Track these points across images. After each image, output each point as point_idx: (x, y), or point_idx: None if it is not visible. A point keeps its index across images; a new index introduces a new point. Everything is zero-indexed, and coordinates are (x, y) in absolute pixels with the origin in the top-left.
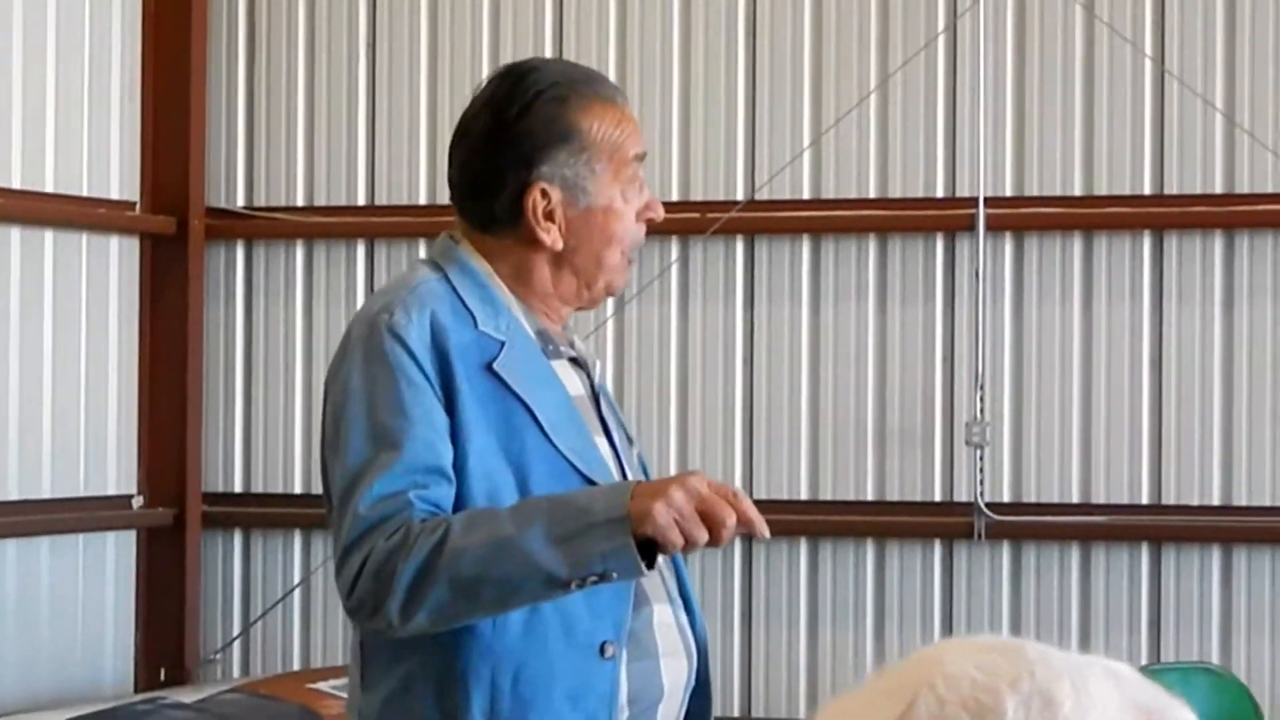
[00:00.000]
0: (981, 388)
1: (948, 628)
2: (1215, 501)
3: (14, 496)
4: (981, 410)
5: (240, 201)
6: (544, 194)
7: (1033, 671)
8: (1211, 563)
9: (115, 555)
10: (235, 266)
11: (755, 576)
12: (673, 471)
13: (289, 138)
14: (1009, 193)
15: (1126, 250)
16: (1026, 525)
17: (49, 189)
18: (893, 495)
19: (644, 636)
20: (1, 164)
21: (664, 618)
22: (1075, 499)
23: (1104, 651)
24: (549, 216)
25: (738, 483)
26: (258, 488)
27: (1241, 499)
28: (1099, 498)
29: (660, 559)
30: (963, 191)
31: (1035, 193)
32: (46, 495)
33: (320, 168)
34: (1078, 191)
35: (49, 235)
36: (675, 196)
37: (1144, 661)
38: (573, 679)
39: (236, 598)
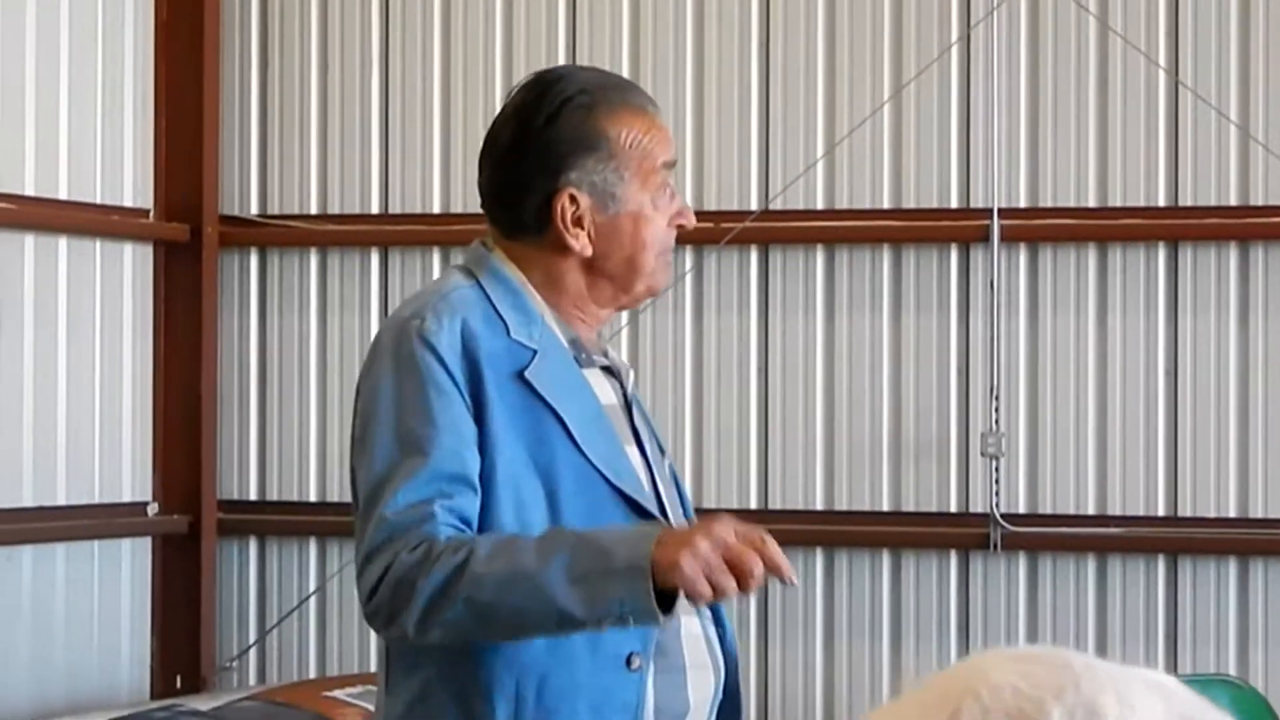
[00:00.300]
0: (996, 399)
1: (963, 639)
2: (1231, 513)
3: (29, 504)
4: (997, 421)
5: (254, 209)
6: (572, 200)
7: (1077, 683)
8: (1228, 575)
9: (131, 562)
10: (249, 274)
11: (771, 587)
12: (689, 483)
13: (303, 145)
14: (1023, 204)
15: (1141, 262)
16: (1042, 536)
17: (62, 196)
18: (908, 506)
19: (671, 648)
20: (15, 171)
21: (692, 629)
22: (1091, 510)
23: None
24: (578, 223)
25: (752, 493)
26: (273, 495)
27: (1258, 511)
28: (1115, 509)
29: None
30: (977, 202)
31: (1050, 204)
32: (62, 502)
33: (334, 175)
34: (1092, 203)
35: (63, 242)
36: (689, 206)
37: None
38: (597, 690)
39: (252, 605)
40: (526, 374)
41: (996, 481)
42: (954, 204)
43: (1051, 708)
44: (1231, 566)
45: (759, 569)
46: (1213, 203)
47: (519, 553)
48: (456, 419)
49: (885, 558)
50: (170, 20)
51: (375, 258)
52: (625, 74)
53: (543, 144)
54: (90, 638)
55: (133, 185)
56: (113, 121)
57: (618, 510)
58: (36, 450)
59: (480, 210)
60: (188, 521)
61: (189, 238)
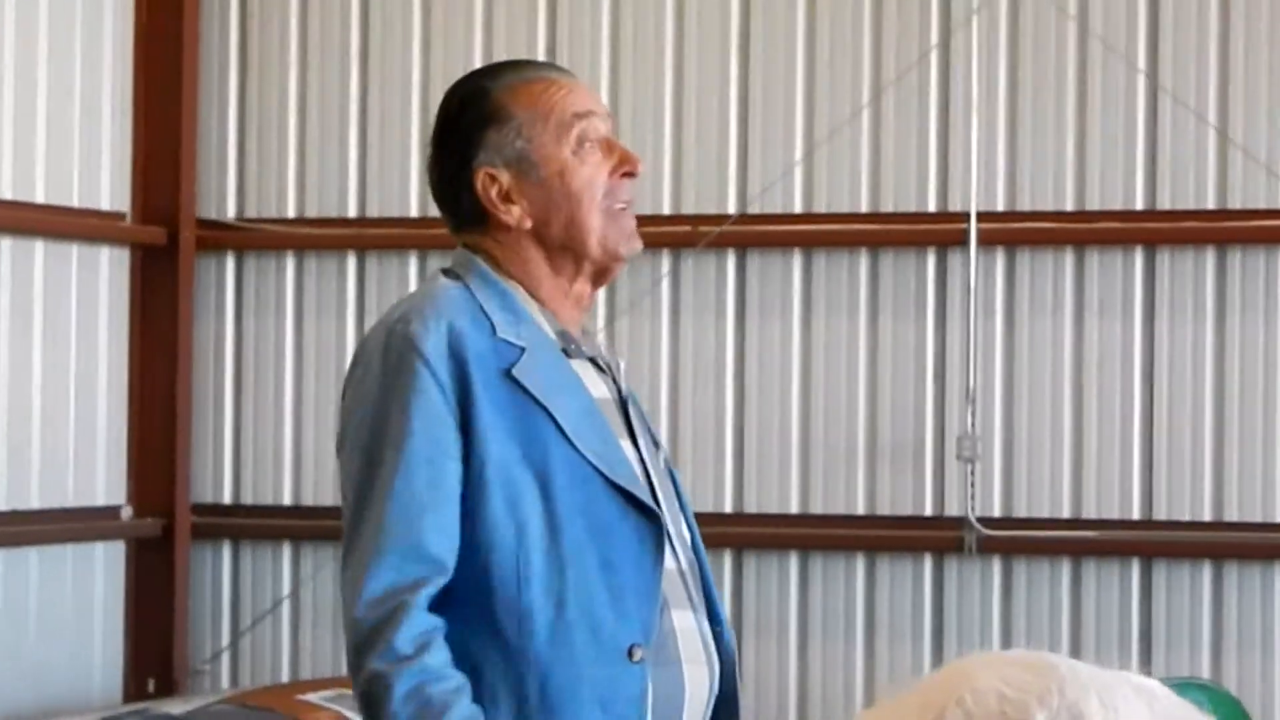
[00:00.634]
0: (973, 402)
1: (938, 642)
2: (1206, 517)
3: (2, 507)
4: (973, 425)
5: (231, 213)
6: (491, 178)
7: (1062, 688)
8: (1202, 578)
9: (104, 566)
10: (226, 277)
11: (745, 590)
12: None
13: (280, 149)
14: (1001, 208)
15: (1118, 265)
16: (1017, 540)
17: (40, 200)
18: (883, 509)
19: (665, 642)
20: None
21: (685, 624)
22: (1066, 514)
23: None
24: (506, 198)
25: (728, 496)
26: (247, 499)
27: (1233, 514)
28: (1090, 513)
29: (684, 564)
30: (955, 206)
31: (1027, 208)
32: (35, 506)
33: (311, 179)
34: (1070, 207)
35: (39, 246)
36: (666, 210)
37: None
38: (601, 684)
39: (225, 609)
40: (514, 372)
41: (972, 485)
42: (931, 208)
43: (1036, 712)
44: (1206, 570)
45: None
46: (1190, 206)
47: None
48: (435, 432)
49: (860, 561)
50: (149, 24)
51: (352, 261)
52: (605, 78)
53: (451, 140)
54: (63, 641)
55: (110, 189)
56: (90, 125)
57: (612, 503)
58: (10, 453)
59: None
60: (161, 525)
61: (166, 241)
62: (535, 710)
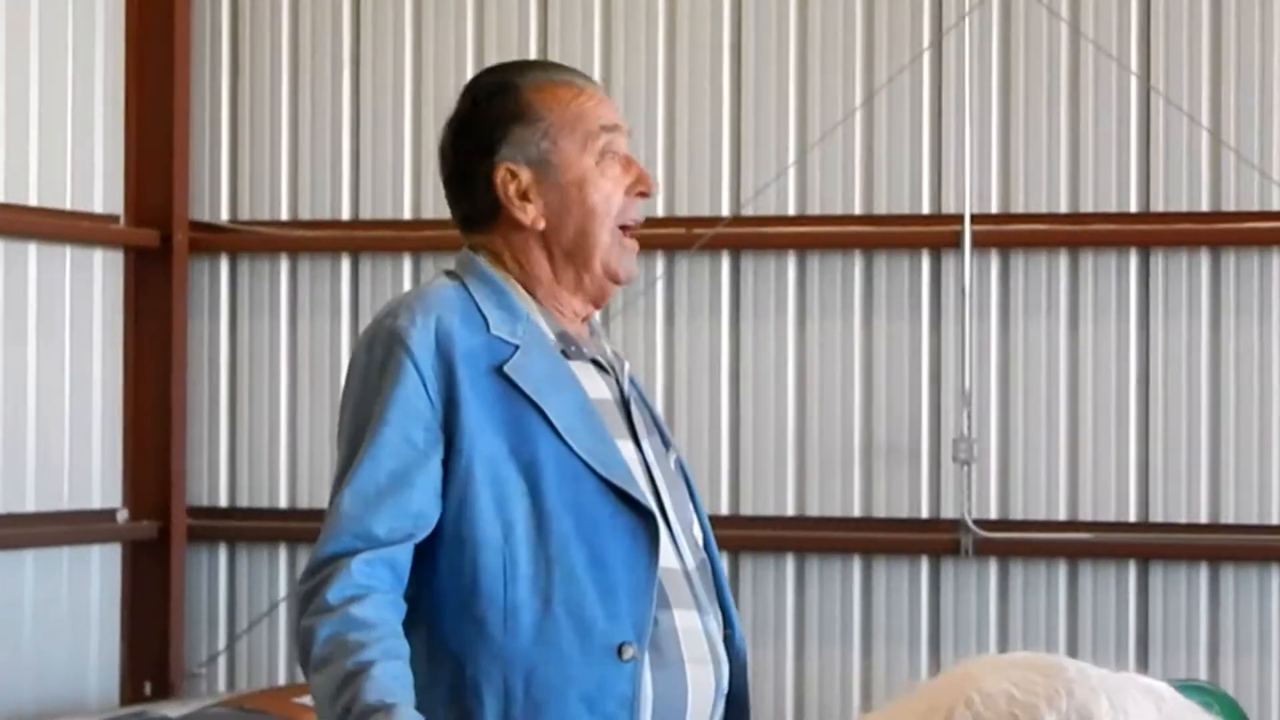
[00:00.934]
0: (968, 404)
1: (935, 645)
2: (1203, 519)
3: None
4: (968, 427)
5: (224, 215)
6: (511, 174)
7: (1070, 689)
8: (1199, 580)
9: (100, 569)
10: (219, 280)
11: (741, 593)
12: None
13: (273, 151)
14: (995, 210)
15: (1113, 268)
16: (1013, 542)
17: (32, 202)
18: (879, 512)
19: (666, 642)
20: None
21: (688, 624)
22: (1062, 516)
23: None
24: (523, 196)
25: (724, 499)
26: (243, 502)
27: (1229, 516)
28: (1086, 515)
29: (691, 565)
30: (948, 208)
31: (1021, 210)
32: (30, 509)
33: (304, 181)
34: (1064, 209)
35: (32, 248)
36: (660, 212)
37: None
38: (588, 682)
39: (222, 612)
40: (506, 368)
41: (968, 487)
42: (925, 210)
43: (1045, 713)
44: (1203, 572)
45: None
46: (1185, 208)
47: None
48: (408, 425)
49: (856, 564)
50: (141, 27)
51: (345, 264)
52: (597, 80)
53: (474, 130)
54: (59, 644)
55: (103, 191)
56: (83, 127)
57: (605, 501)
58: (5, 456)
59: (450, 217)
60: (157, 528)
61: (159, 244)
62: (520, 708)
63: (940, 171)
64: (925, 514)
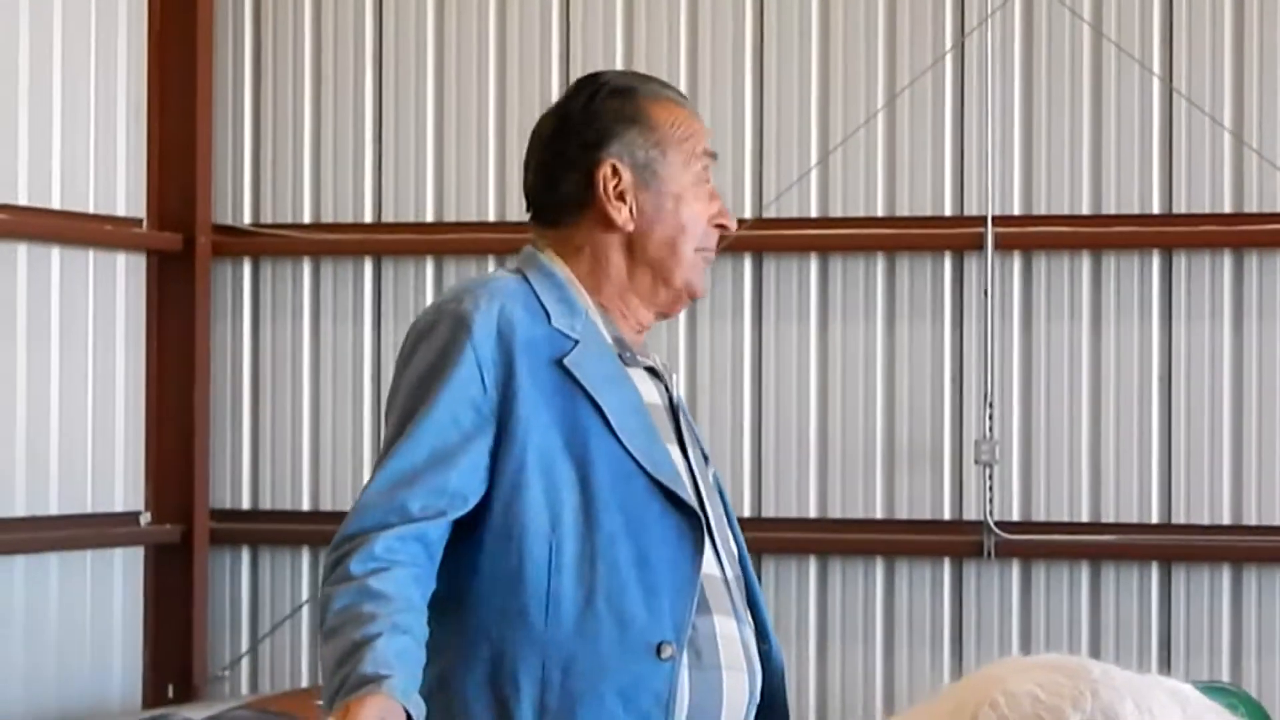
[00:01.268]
0: (990, 406)
1: (957, 646)
2: (1225, 520)
3: (21, 513)
4: (990, 428)
5: (247, 218)
6: (615, 171)
7: (1095, 691)
8: (1222, 582)
9: (123, 572)
10: (242, 283)
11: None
12: None
13: (296, 154)
14: (1017, 211)
15: (1135, 269)
16: (1036, 544)
17: (55, 205)
18: (902, 513)
19: (705, 647)
20: (8, 180)
21: (727, 630)
22: (1085, 518)
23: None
24: (620, 196)
25: (746, 501)
26: (265, 504)
27: (1252, 518)
28: (1108, 516)
29: (730, 576)
30: (971, 210)
31: (1043, 211)
32: (54, 512)
33: (327, 184)
34: (1086, 210)
35: (55, 252)
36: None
37: None
38: (625, 677)
39: (245, 614)
40: (566, 361)
41: (990, 489)
42: (948, 212)
43: (1070, 715)
44: (1225, 574)
45: None
46: (1207, 210)
47: (353, 631)
48: (458, 409)
49: (879, 565)
50: (163, 30)
51: (368, 267)
52: None
53: (584, 122)
54: (83, 647)
55: (126, 195)
56: (106, 131)
57: (653, 500)
58: (29, 460)
59: (473, 220)
60: (180, 531)
61: (182, 247)
62: (557, 697)
63: (962, 173)
64: (947, 515)
